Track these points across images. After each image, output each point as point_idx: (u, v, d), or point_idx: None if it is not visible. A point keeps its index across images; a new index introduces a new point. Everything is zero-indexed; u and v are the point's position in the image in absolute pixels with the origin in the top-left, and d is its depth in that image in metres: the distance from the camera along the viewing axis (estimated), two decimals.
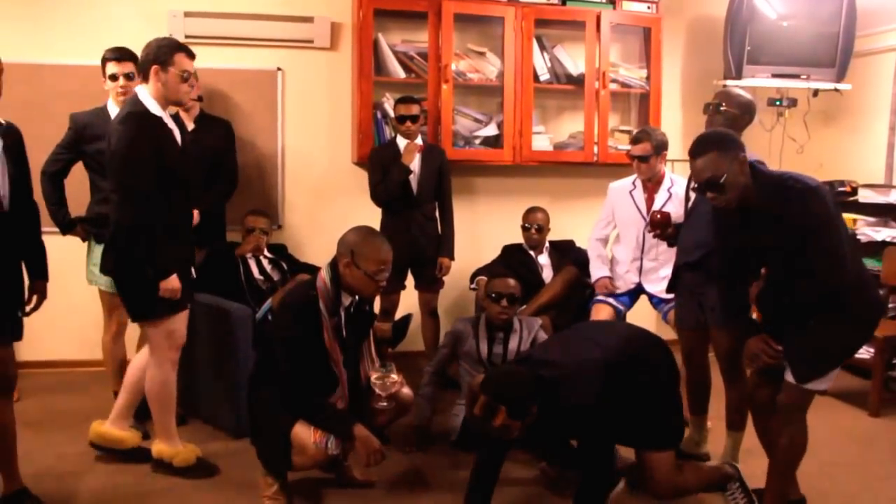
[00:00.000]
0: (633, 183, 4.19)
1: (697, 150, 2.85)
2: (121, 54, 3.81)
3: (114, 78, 3.81)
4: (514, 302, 3.81)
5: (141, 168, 3.13)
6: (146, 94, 3.24)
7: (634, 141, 4.09)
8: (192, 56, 3.29)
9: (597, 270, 4.31)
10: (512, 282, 3.82)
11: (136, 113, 3.20)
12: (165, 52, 3.21)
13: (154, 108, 3.24)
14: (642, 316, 5.00)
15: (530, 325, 3.91)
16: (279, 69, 5.12)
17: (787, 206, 2.73)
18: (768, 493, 2.98)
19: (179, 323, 3.40)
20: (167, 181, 3.22)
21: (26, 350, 4.80)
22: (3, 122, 2.91)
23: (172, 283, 3.24)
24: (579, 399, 2.81)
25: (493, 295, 3.79)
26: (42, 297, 3.12)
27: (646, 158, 4.02)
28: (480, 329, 3.88)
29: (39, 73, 4.74)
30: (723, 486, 3.20)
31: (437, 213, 4.72)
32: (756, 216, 2.84)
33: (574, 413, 2.82)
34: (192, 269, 3.50)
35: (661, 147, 4.04)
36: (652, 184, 4.13)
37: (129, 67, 3.80)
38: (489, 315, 3.84)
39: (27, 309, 3.06)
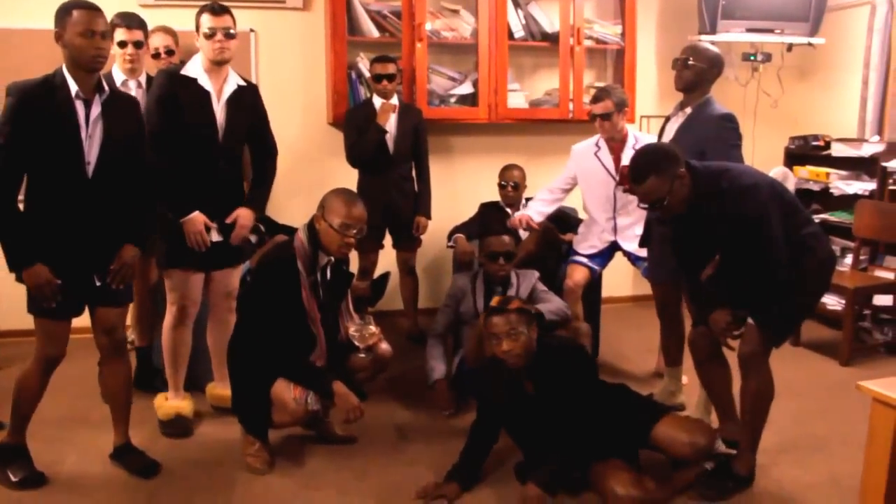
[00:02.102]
0: (597, 144, 4.18)
1: (636, 177, 2.91)
2: (130, 21, 3.68)
3: (122, 45, 3.67)
4: (510, 258, 3.85)
5: (149, 121, 3.26)
6: (196, 59, 3.43)
7: (595, 100, 4.09)
8: (217, 13, 3.36)
9: (524, 208, 4.40)
10: (507, 238, 3.86)
11: (162, 71, 3.52)
12: (196, 18, 3.38)
13: (192, 69, 3.40)
14: (618, 274, 5.07)
15: (528, 277, 3.93)
16: (252, 30, 5.06)
17: (723, 209, 2.84)
18: (743, 437, 3.04)
19: (178, 281, 3.49)
20: (185, 136, 3.36)
21: (11, 319, 4.80)
22: (106, 88, 2.89)
23: (195, 223, 3.37)
24: None
25: (490, 253, 3.83)
26: (122, 262, 2.98)
27: (608, 116, 4.01)
28: (478, 284, 3.93)
29: (9, 39, 4.67)
30: None
31: (413, 173, 4.75)
32: (699, 215, 2.93)
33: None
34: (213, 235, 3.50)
35: (622, 104, 4.03)
36: (616, 143, 4.13)
37: (138, 35, 3.69)
38: (488, 271, 3.89)
39: (113, 276, 2.98)
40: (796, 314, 3.10)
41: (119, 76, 3.73)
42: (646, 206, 2.97)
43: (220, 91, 3.44)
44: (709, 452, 2.99)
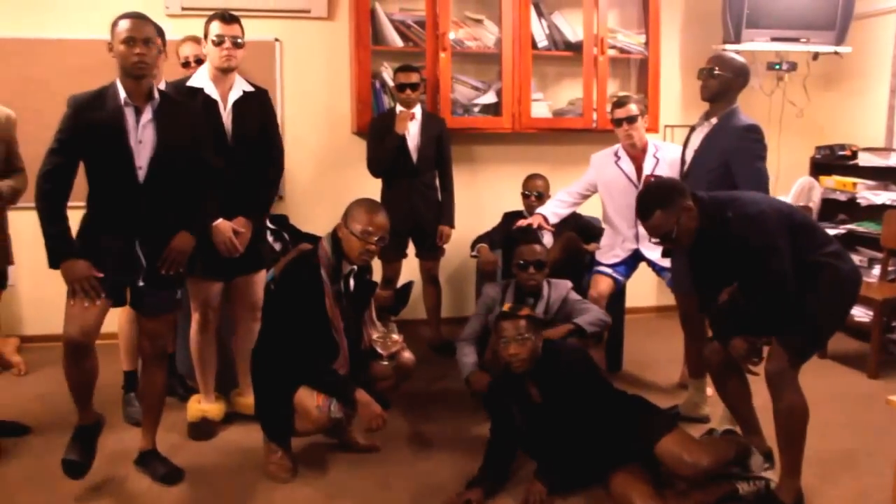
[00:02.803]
0: (616, 154, 4.18)
1: (643, 212, 2.97)
2: None
3: None
4: (541, 267, 3.80)
5: None
6: (203, 69, 3.52)
7: (618, 105, 4.10)
8: (227, 21, 3.43)
9: (540, 208, 4.33)
10: (538, 248, 3.82)
11: (169, 84, 3.53)
12: (206, 24, 3.46)
13: (197, 79, 3.48)
14: (642, 284, 5.04)
15: (559, 288, 3.88)
16: (277, 40, 5.10)
17: (729, 239, 2.88)
18: (783, 463, 2.96)
19: (197, 289, 3.55)
20: None
21: (38, 324, 4.88)
22: (157, 96, 2.96)
23: (223, 231, 3.41)
24: None
25: (521, 263, 3.79)
26: (171, 247, 3.01)
27: (634, 119, 4.03)
28: (508, 294, 3.88)
29: (37, 49, 4.73)
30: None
31: (437, 182, 4.75)
32: (708, 244, 2.97)
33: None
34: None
35: (643, 111, 4.08)
36: (637, 151, 4.13)
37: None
38: (518, 281, 3.86)
39: (163, 261, 3.01)
40: (820, 333, 3.06)
41: None
42: (656, 240, 3.01)
43: (226, 97, 3.48)
44: (712, 474, 2.93)
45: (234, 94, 3.50)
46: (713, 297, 3.12)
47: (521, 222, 4.15)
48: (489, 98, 5.25)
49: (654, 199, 2.95)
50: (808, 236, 2.92)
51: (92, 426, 3.10)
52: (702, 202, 2.93)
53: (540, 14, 5.28)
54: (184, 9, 4.84)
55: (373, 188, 4.48)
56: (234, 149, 3.48)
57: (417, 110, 4.59)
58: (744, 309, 2.97)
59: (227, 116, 3.47)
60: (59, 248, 2.86)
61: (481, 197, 5.44)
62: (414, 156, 4.58)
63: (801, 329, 2.88)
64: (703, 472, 2.89)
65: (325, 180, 5.25)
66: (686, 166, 3.59)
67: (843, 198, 5.43)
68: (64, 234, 2.88)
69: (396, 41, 5.07)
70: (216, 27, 3.41)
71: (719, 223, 2.88)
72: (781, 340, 2.88)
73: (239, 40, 3.44)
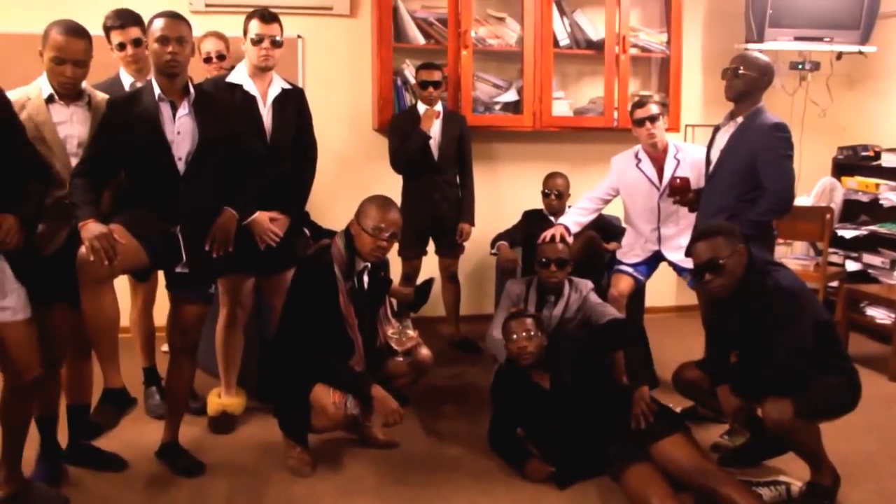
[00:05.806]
0: (637, 156, 4.18)
1: (704, 234, 3.04)
2: (124, 20, 3.45)
3: (121, 47, 3.47)
4: (563, 265, 3.80)
5: None
6: (241, 66, 3.53)
7: (638, 105, 4.11)
8: (266, 20, 3.43)
9: (562, 217, 4.32)
10: (560, 246, 3.84)
11: (208, 80, 3.58)
12: (245, 22, 3.46)
13: (236, 76, 3.50)
14: (661, 283, 5.03)
15: (580, 288, 3.88)
16: (299, 37, 5.12)
17: (761, 305, 2.89)
18: (808, 463, 2.99)
19: (229, 284, 3.58)
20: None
21: None
22: (192, 91, 3.01)
23: (262, 223, 3.42)
24: None
25: (543, 260, 3.80)
26: (217, 227, 3.05)
27: (656, 118, 4.03)
28: (531, 292, 3.90)
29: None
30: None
31: (457, 179, 4.75)
32: (738, 307, 3.00)
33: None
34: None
35: (664, 110, 4.06)
36: (658, 152, 4.12)
37: (135, 33, 3.44)
38: (540, 279, 3.87)
39: (210, 243, 3.04)
40: (824, 410, 2.94)
41: (128, 79, 3.54)
42: (700, 263, 2.98)
43: (266, 94, 3.50)
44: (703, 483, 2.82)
45: (274, 92, 3.52)
46: (724, 357, 3.15)
47: (544, 234, 4.08)
48: (510, 96, 5.25)
49: (720, 227, 3.05)
50: (834, 342, 2.94)
51: (117, 391, 2.88)
52: (751, 255, 2.97)
53: (562, 12, 5.27)
54: (207, 5, 4.86)
55: (393, 185, 4.49)
56: (272, 145, 3.51)
57: (439, 108, 4.60)
58: (756, 369, 2.96)
59: (266, 113, 3.50)
60: (81, 216, 2.75)
61: (501, 195, 5.44)
62: (435, 153, 4.59)
63: (812, 398, 2.82)
64: (702, 477, 2.81)
65: (346, 177, 5.27)
66: (712, 166, 3.58)
67: (865, 199, 5.40)
68: (90, 205, 2.80)
69: (418, 39, 5.09)
70: (255, 26, 3.42)
71: (756, 285, 2.91)
72: (794, 399, 2.80)
73: (277, 39, 3.45)
